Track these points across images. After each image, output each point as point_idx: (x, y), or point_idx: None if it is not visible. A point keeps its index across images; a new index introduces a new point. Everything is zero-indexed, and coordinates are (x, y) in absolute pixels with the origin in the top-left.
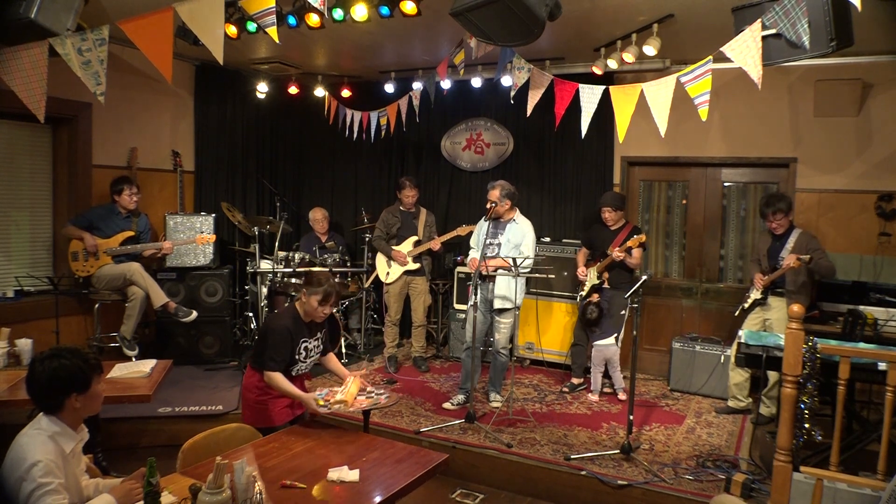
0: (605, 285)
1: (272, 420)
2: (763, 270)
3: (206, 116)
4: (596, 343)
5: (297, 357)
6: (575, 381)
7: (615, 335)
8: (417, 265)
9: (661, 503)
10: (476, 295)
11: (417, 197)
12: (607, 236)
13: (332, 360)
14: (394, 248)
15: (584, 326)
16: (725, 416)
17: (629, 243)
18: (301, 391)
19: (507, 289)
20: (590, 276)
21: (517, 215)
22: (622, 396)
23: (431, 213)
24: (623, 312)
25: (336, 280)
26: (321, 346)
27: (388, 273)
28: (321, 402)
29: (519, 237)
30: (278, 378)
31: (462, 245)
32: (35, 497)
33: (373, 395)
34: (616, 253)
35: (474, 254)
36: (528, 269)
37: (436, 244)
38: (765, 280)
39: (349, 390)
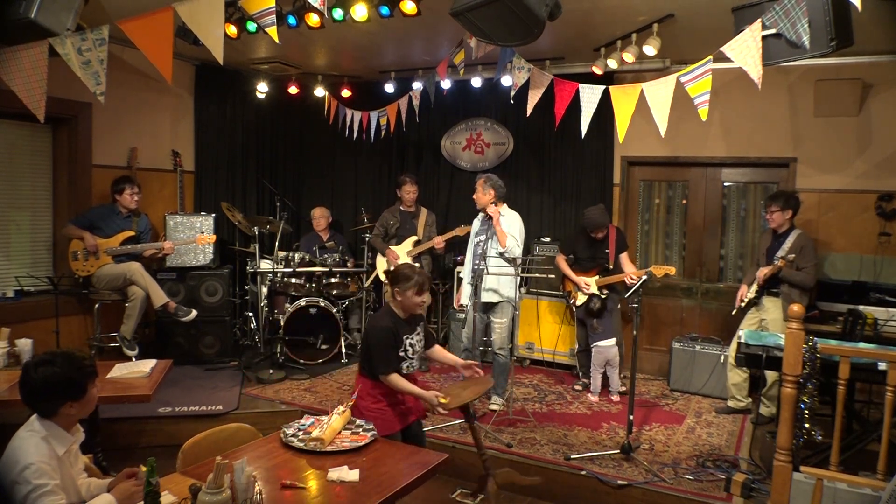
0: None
1: (391, 426)
2: None
3: (206, 116)
4: (596, 344)
5: (402, 355)
6: (586, 380)
7: (615, 338)
8: (416, 265)
9: (661, 503)
10: (476, 295)
11: (418, 194)
12: (597, 245)
13: (437, 350)
14: (392, 247)
15: (586, 320)
16: (725, 416)
17: (655, 271)
18: (419, 388)
19: (496, 283)
20: (592, 287)
21: (504, 208)
22: (615, 399)
23: (432, 213)
24: (618, 307)
25: (420, 269)
26: (423, 340)
27: (387, 272)
28: (284, 435)
29: (505, 226)
30: (396, 378)
31: (462, 245)
32: (31, 499)
33: (360, 430)
34: (630, 279)
35: (467, 267)
36: (517, 257)
37: (438, 242)
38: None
39: (332, 426)
